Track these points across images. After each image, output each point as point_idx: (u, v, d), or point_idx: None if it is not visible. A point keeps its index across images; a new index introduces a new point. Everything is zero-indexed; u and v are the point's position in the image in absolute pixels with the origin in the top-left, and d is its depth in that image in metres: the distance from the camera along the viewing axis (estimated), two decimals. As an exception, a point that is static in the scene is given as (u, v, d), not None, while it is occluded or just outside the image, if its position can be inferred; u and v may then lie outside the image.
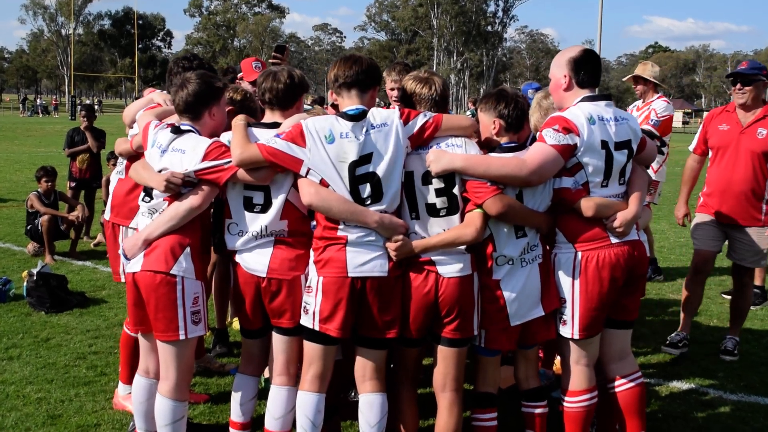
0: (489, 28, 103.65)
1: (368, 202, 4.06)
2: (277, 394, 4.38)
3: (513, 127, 4.31)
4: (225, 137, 4.35)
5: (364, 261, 4.06)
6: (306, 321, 4.18)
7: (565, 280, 4.36)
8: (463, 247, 4.17)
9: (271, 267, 4.23)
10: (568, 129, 4.18)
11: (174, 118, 4.58)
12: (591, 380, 4.49)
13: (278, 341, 4.38)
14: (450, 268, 4.15)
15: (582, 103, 4.33)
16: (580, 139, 4.19)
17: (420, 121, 4.16)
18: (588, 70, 4.39)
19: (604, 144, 4.26)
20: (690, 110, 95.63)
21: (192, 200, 4.25)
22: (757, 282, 9.20)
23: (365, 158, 4.04)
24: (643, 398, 4.64)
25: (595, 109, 4.31)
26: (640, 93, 8.72)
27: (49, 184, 10.57)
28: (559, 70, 4.44)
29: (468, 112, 29.46)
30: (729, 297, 8.97)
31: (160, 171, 4.31)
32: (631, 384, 4.59)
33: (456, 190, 4.16)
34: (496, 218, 4.15)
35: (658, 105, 8.53)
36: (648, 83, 8.65)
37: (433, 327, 4.29)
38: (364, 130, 4.06)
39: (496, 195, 4.08)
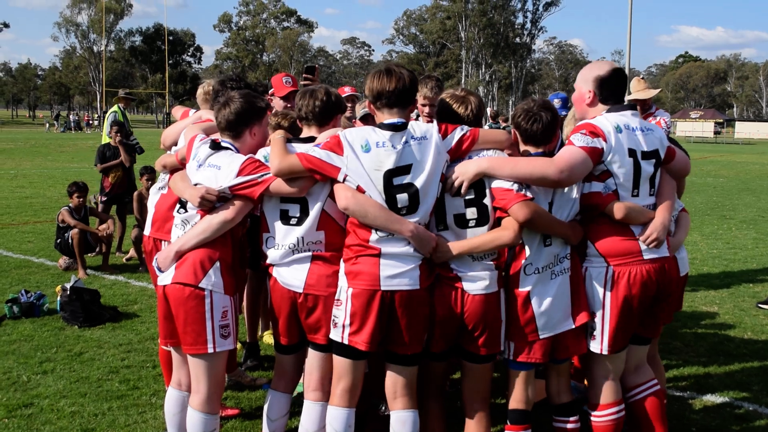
0: (517, 39, 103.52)
1: (404, 212, 4.05)
2: (311, 410, 4.38)
3: (531, 140, 4.31)
4: (261, 153, 4.39)
5: (396, 273, 4.05)
6: (335, 335, 4.17)
7: (595, 295, 4.34)
8: (492, 262, 4.18)
9: (308, 283, 4.23)
10: (595, 133, 4.19)
11: (219, 134, 4.63)
12: (618, 393, 4.47)
13: (313, 357, 4.38)
14: (475, 285, 4.14)
15: (608, 114, 4.34)
16: (608, 145, 4.19)
17: (458, 134, 4.17)
18: (612, 89, 4.41)
19: (632, 152, 4.25)
20: (722, 120, 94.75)
21: (225, 213, 4.28)
22: None
23: (403, 169, 4.03)
24: (661, 406, 4.61)
25: (621, 118, 4.32)
26: (643, 106, 8.60)
27: (81, 199, 10.69)
28: (585, 84, 4.45)
29: (486, 126, 29.35)
30: (766, 307, 8.89)
31: (195, 185, 4.36)
32: (647, 392, 4.58)
33: (487, 200, 4.15)
34: (522, 225, 4.12)
35: (665, 116, 8.46)
36: (648, 99, 8.56)
37: (460, 342, 4.29)
38: (403, 140, 4.06)
39: (523, 201, 4.07)
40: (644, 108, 8.48)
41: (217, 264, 4.29)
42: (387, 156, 4.02)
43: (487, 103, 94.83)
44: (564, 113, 7.39)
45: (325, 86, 4.53)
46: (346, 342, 4.12)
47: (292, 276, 4.27)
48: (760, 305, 9.07)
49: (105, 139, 12.40)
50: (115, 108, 12.82)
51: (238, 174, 4.23)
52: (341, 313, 4.12)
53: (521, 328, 4.26)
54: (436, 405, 4.49)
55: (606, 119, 4.29)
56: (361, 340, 4.09)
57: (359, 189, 4.04)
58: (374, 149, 4.04)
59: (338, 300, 4.16)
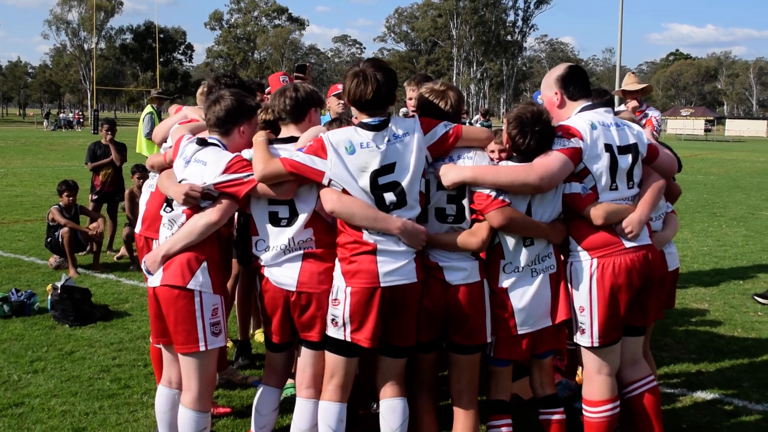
0: (509, 37, 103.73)
1: (391, 208, 4.07)
2: (303, 407, 4.38)
3: (521, 153, 4.29)
4: (246, 153, 4.39)
5: (394, 269, 4.07)
6: (335, 333, 4.18)
7: (582, 289, 4.37)
8: (470, 253, 4.22)
9: (300, 281, 4.24)
10: (571, 134, 4.27)
11: (206, 133, 4.63)
12: (613, 390, 4.49)
13: (306, 355, 4.39)
14: (456, 275, 4.19)
15: (582, 113, 4.42)
16: (584, 143, 4.27)
17: (440, 131, 4.21)
18: (576, 83, 4.52)
19: (608, 147, 4.33)
20: (712, 118, 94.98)
21: (210, 215, 4.28)
22: None
23: (388, 168, 4.06)
24: (657, 402, 4.64)
25: (595, 116, 4.40)
26: (636, 103, 8.63)
27: (71, 198, 10.67)
28: (549, 89, 4.57)
29: (477, 124, 29.43)
30: (762, 300, 9.01)
31: (180, 181, 4.36)
32: (644, 389, 4.60)
33: (465, 201, 4.22)
34: (498, 230, 4.20)
35: (656, 113, 8.52)
36: (637, 93, 8.60)
37: (446, 334, 4.32)
38: (386, 139, 4.08)
39: (499, 208, 4.14)
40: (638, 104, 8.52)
41: (204, 264, 4.30)
42: (372, 157, 4.05)
43: (478, 101, 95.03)
44: None
45: (294, 83, 4.59)
46: (348, 339, 4.14)
47: (284, 275, 4.27)
48: (757, 298, 9.17)
49: (140, 140, 12.25)
50: (149, 108, 12.79)
51: (225, 171, 4.23)
52: (340, 312, 4.13)
53: (500, 325, 4.31)
54: (427, 400, 4.51)
55: (580, 118, 4.38)
56: (364, 337, 4.11)
57: (344, 192, 4.06)
58: (359, 150, 4.06)
59: (336, 300, 4.16)
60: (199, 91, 5.74)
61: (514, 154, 4.34)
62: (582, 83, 4.54)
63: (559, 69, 4.60)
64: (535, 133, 4.23)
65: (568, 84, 4.51)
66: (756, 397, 6.08)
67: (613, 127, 4.40)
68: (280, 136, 4.45)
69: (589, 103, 4.50)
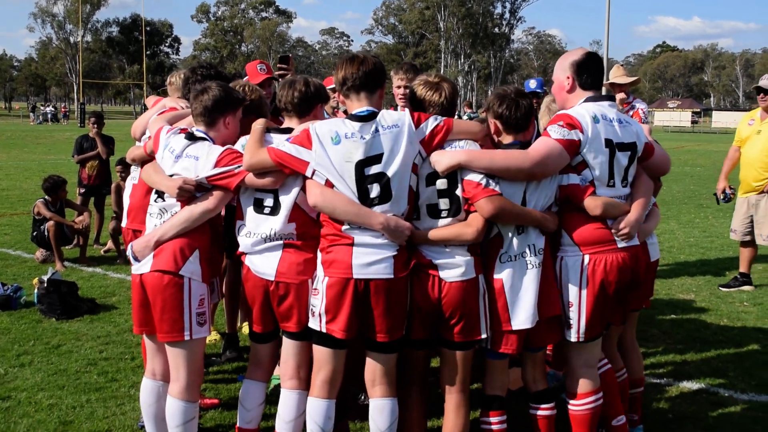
0: (496, 29, 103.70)
1: (375, 202, 4.05)
2: (287, 398, 4.39)
3: (513, 127, 4.32)
4: (240, 142, 4.40)
5: (370, 262, 4.05)
6: (313, 323, 4.18)
7: (572, 284, 4.35)
8: (466, 248, 4.19)
9: (279, 271, 4.24)
10: (572, 125, 4.21)
11: (185, 123, 4.62)
12: (595, 382, 4.51)
13: (287, 345, 4.39)
14: (451, 272, 4.16)
15: (586, 103, 4.36)
16: (584, 136, 4.22)
17: (431, 124, 4.17)
18: (591, 72, 4.43)
19: (609, 143, 4.28)
20: (699, 110, 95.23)
21: (207, 203, 4.30)
22: (743, 269, 9.51)
23: (374, 158, 4.03)
24: (613, 385, 4.71)
25: (599, 108, 4.34)
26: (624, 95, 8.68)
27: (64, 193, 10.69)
28: (562, 72, 4.48)
29: (465, 116, 29.39)
30: (724, 290, 9.22)
31: (171, 175, 4.37)
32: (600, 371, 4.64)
33: (459, 191, 4.17)
34: (488, 219, 4.15)
35: (643, 105, 8.57)
36: (625, 85, 8.63)
37: (439, 330, 4.31)
38: (373, 129, 4.06)
39: (489, 196, 4.10)
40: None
41: (196, 252, 4.32)
42: (356, 147, 4.02)
43: (466, 94, 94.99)
44: (540, 91, 7.62)
45: (304, 77, 4.54)
46: (324, 330, 4.13)
47: (263, 264, 4.28)
48: (721, 288, 9.38)
49: None
50: None
51: (216, 165, 4.25)
52: (318, 302, 4.13)
53: (497, 318, 4.27)
54: (417, 393, 4.50)
55: (584, 109, 4.31)
56: (338, 328, 4.10)
57: (327, 183, 4.05)
58: (344, 141, 4.04)
59: (315, 289, 4.17)
60: (167, 81, 5.75)
61: (505, 135, 4.34)
62: (596, 74, 4.46)
63: (577, 53, 4.50)
64: (520, 101, 4.27)
65: (582, 71, 4.42)
66: (742, 386, 6.12)
67: (616, 123, 4.35)
68: (282, 126, 4.45)
69: (597, 94, 4.45)
